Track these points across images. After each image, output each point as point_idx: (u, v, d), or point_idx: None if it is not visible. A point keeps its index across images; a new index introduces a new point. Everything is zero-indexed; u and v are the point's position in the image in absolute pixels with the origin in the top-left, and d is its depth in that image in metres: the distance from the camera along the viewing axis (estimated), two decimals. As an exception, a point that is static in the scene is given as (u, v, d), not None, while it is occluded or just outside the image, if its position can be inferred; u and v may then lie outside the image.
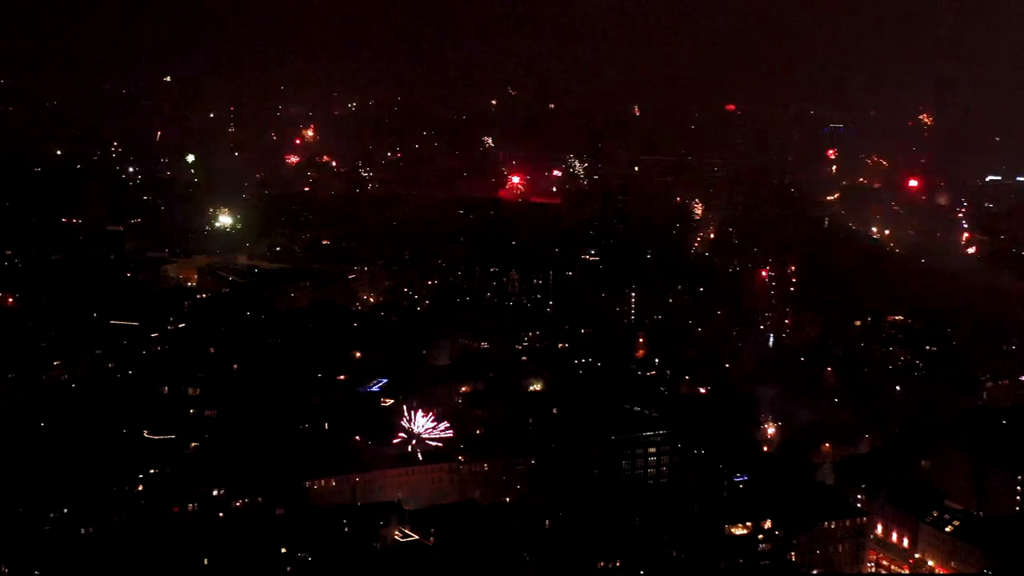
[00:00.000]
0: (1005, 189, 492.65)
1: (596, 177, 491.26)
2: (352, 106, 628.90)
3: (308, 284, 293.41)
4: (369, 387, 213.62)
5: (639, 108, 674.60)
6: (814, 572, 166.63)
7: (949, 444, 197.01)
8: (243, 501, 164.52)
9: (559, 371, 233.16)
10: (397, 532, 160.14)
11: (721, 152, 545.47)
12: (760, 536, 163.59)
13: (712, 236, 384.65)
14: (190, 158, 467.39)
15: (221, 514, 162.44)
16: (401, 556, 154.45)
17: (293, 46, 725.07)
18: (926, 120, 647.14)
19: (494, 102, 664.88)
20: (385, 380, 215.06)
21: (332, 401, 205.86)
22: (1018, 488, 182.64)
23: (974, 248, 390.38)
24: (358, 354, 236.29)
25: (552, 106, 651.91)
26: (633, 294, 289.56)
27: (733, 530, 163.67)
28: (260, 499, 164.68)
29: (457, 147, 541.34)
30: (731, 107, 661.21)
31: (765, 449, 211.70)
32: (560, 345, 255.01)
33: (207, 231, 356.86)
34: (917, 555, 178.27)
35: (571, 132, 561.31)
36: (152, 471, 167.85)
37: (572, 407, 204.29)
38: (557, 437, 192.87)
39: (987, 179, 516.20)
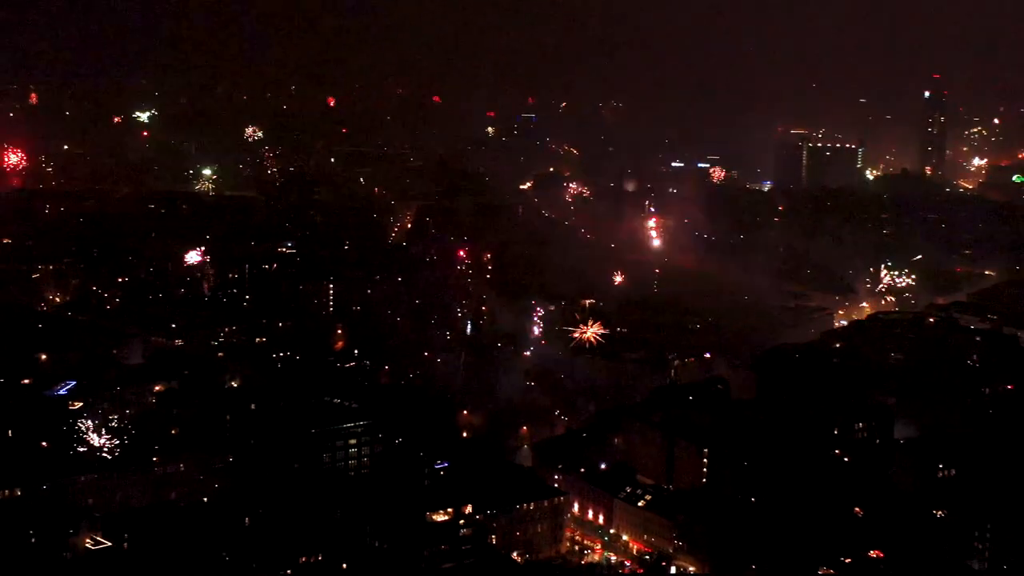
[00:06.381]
0: (687, 175, 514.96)
1: (292, 169, 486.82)
2: (32, 99, 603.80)
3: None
4: (56, 390, 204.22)
5: (334, 100, 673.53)
6: (514, 553, 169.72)
7: (641, 421, 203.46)
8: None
9: (257, 366, 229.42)
10: (89, 540, 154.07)
11: (417, 142, 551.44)
12: (461, 521, 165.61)
13: (409, 226, 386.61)
14: None
15: None
16: (93, 564, 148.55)
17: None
18: (610, 113, 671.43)
19: (184, 100, 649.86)
20: (73, 383, 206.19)
21: (15, 406, 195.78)
22: (703, 460, 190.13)
23: (659, 231, 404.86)
24: (44, 356, 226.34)
25: (245, 98, 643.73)
26: (331, 286, 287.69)
27: (435, 517, 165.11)
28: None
29: (144, 140, 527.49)
30: (437, 99, 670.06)
31: (465, 435, 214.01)
32: (258, 339, 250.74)
33: None
34: (612, 530, 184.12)
35: (266, 124, 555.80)
36: None
37: (271, 402, 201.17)
38: (256, 433, 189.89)
39: (672, 165, 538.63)
